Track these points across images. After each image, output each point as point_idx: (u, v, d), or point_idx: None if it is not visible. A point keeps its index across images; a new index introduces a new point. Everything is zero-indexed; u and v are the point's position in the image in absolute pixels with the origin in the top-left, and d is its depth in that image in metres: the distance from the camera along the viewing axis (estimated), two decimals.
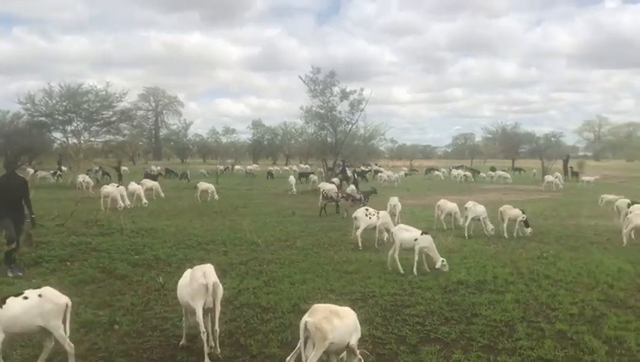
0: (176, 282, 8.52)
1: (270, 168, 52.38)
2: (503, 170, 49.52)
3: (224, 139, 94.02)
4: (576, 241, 13.59)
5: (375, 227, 13.00)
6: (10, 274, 9.22)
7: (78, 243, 11.94)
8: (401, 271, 9.81)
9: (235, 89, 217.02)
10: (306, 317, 4.85)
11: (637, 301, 8.14)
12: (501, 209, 15.04)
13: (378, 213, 13.34)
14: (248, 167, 54.09)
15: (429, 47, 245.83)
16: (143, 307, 7.69)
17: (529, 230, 14.51)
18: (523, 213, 14.75)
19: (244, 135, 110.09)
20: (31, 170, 38.16)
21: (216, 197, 24.06)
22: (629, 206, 15.90)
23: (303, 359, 4.77)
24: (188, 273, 6.24)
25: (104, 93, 37.23)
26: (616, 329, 6.82)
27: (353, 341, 4.97)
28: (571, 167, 46.31)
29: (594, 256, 11.63)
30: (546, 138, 70.70)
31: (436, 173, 49.91)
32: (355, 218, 13.24)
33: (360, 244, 12.53)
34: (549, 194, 31.12)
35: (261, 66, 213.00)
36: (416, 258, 9.99)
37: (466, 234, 14.32)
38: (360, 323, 6.80)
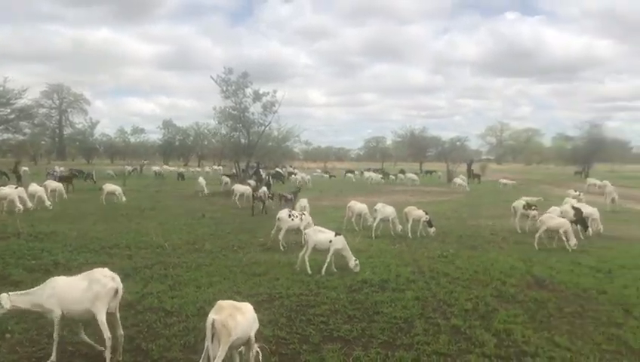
0: None
1: (181, 169, 51.24)
2: (416, 173, 51.29)
3: (133, 139, 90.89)
4: (475, 241, 14.35)
5: (298, 229, 13.01)
6: None
7: None
8: (309, 272, 9.96)
9: (145, 88, 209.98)
10: (212, 315, 4.98)
11: (525, 296, 8.71)
12: (406, 210, 15.60)
13: (303, 214, 13.50)
14: (155, 168, 52.45)
15: (342, 51, 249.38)
16: (41, 316, 7.32)
17: (432, 230, 15.15)
18: (426, 213, 15.37)
19: (155, 135, 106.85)
20: None
21: (124, 199, 23.22)
22: (524, 207, 16.99)
23: (211, 354, 4.86)
24: (80, 278, 5.97)
25: (1, 88, 34.94)
26: (505, 322, 7.29)
27: (253, 334, 5.22)
28: (472, 170, 48.70)
29: (490, 254, 12.34)
30: (452, 142, 74.04)
31: (349, 175, 50.94)
32: (279, 219, 13.33)
33: (282, 246, 12.64)
34: (453, 195, 32.56)
35: (173, 65, 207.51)
36: (329, 259, 10.18)
37: (374, 235, 14.73)
38: (265, 324, 6.95)
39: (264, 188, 22.89)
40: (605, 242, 14.48)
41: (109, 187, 24.00)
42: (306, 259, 10.27)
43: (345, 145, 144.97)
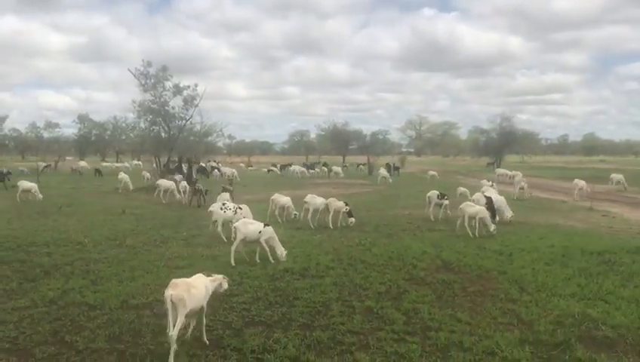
0: None
1: (103, 164, 49.75)
2: (344, 166, 52.46)
3: (46, 134, 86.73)
4: (391, 229, 15.11)
5: (231, 221, 13.19)
6: None
7: None
8: (233, 264, 10.24)
9: (58, 80, 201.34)
10: (168, 291, 5.76)
11: (434, 278, 9.41)
12: (327, 201, 16.15)
13: (238, 207, 13.77)
14: (81, 164, 50.63)
15: (264, 45, 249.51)
16: None
17: (352, 220, 15.78)
18: (346, 204, 15.99)
19: (70, 129, 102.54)
20: None
21: (40, 196, 22.40)
22: (438, 197, 18.02)
23: (170, 325, 5.61)
24: None
25: None
26: (414, 302, 7.92)
27: (205, 303, 6.25)
28: (393, 163, 50.33)
29: (404, 241, 13.08)
30: (373, 135, 76.11)
31: (272, 168, 51.44)
32: (211, 212, 13.57)
33: (224, 238, 12.86)
34: (374, 187, 33.63)
35: (87, 57, 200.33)
36: (265, 247, 10.55)
37: (312, 225, 15.40)
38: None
39: (183, 183, 23.00)
40: (509, 227, 15.63)
41: (25, 184, 23.06)
42: (233, 249, 10.57)
43: (269, 139, 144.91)
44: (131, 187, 28.11)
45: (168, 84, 31.03)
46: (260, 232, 10.71)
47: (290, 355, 5.88)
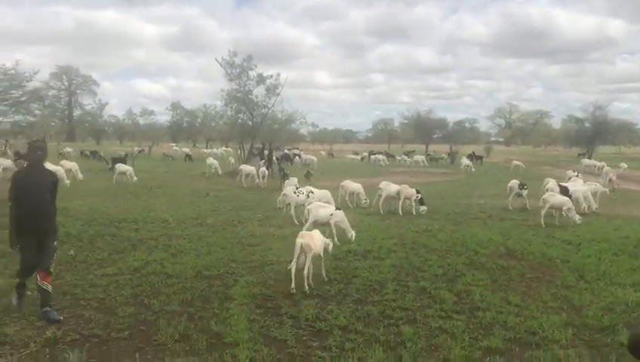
0: (87, 255, 9.33)
1: (188, 150, 52.36)
2: (428, 155, 52.38)
3: (142, 121, 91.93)
4: (461, 217, 15.21)
5: (304, 205, 13.82)
6: (14, 302, 6.71)
7: None
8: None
9: (152, 69, 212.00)
10: (299, 240, 7.87)
11: (494, 264, 9.57)
12: (399, 188, 16.44)
13: (310, 191, 14.49)
14: (185, 149, 53.82)
15: (349, 32, 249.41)
16: (55, 276, 8.24)
17: (424, 208, 15.97)
18: (418, 192, 16.18)
19: (163, 117, 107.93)
20: None
21: (134, 179, 24.20)
22: (519, 187, 17.85)
23: (298, 265, 7.77)
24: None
25: (13, 72, 35.96)
26: (468, 285, 8.17)
27: (322, 251, 8.24)
28: (474, 152, 49.50)
29: (472, 229, 13.20)
30: (458, 124, 74.57)
31: (351, 156, 52.12)
32: (285, 195, 14.48)
33: (295, 220, 13.60)
34: (454, 176, 33.37)
35: (179, 46, 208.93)
36: (333, 230, 11.12)
37: (382, 211, 15.78)
38: (255, 284, 7.96)
39: (263, 168, 24.00)
40: (586, 218, 15.25)
41: (121, 167, 25.02)
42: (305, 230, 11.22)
43: (353, 128, 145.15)
44: (220, 172, 29.57)
45: (252, 74, 32.30)
46: (331, 215, 11.29)
47: (340, 324, 6.36)
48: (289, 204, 14.33)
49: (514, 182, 18.26)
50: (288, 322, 6.46)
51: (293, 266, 7.80)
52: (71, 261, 9.20)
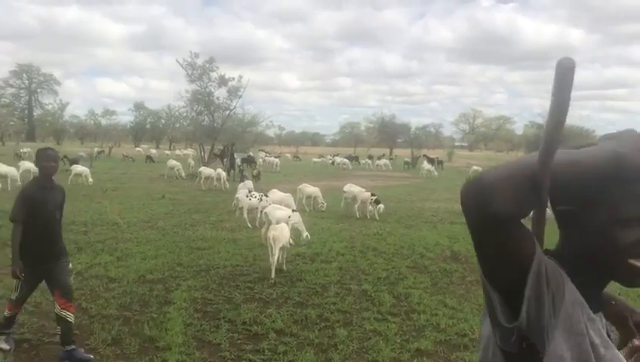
0: None
1: (152, 151, 51.76)
2: (390, 158, 52.87)
3: (104, 121, 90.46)
4: (413, 221, 15.46)
5: (257, 208, 14.04)
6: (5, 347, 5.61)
7: None
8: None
9: (116, 68, 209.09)
10: (270, 233, 8.99)
11: (437, 267, 9.77)
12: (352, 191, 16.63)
13: (263, 195, 14.54)
14: (152, 151, 53.21)
15: (317, 35, 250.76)
16: None
17: (380, 206, 15.98)
18: (372, 195, 16.30)
19: (126, 117, 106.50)
20: None
21: (90, 180, 23.82)
22: None
23: (272, 257, 8.69)
24: None
25: None
26: (408, 288, 8.33)
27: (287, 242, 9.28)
28: (437, 157, 50.33)
29: (421, 232, 13.43)
30: (420, 129, 75.68)
31: (315, 159, 52.33)
32: (237, 199, 14.54)
33: (249, 223, 13.69)
34: (414, 180, 33.82)
35: (145, 46, 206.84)
36: (288, 236, 11.17)
37: (358, 214, 15.99)
38: (197, 288, 7.95)
39: (220, 170, 23.97)
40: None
41: (78, 168, 24.60)
42: (263, 233, 11.26)
43: (320, 131, 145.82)
44: (184, 174, 29.31)
45: (214, 75, 32.18)
46: (289, 217, 11.38)
47: (277, 327, 6.42)
48: (242, 207, 14.35)
49: None
50: (225, 326, 6.48)
51: (273, 258, 8.71)
52: (9, 264, 9.00)
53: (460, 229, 14.19)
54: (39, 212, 5.26)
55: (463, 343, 6.09)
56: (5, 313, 5.57)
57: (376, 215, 15.72)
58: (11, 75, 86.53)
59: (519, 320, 1.02)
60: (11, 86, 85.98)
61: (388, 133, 79.69)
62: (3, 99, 44.62)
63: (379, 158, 52.44)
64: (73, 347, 5.41)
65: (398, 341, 6.11)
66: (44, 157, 5.33)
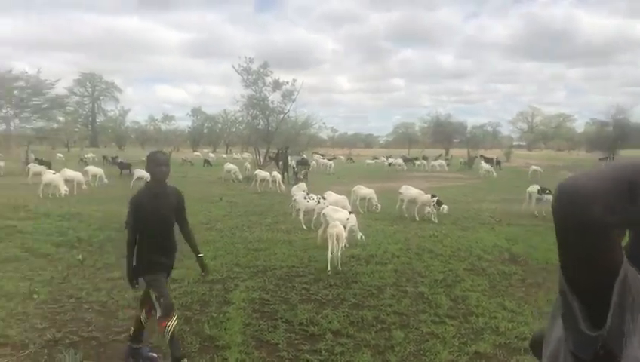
0: (96, 259, 9.55)
1: (210, 156, 52.94)
2: (446, 159, 52.07)
3: (163, 127, 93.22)
4: (470, 222, 15.19)
5: (314, 210, 14.21)
6: None
7: (3, 226, 12.52)
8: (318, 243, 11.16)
9: (174, 75, 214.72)
10: (332, 230, 9.57)
11: (495, 269, 9.59)
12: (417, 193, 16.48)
13: (320, 197, 14.65)
14: (210, 155, 54.60)
15: (369, 37, 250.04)
16: (62, 280, 8.54)
17: (444, 207, 15.77)
18: (433, 196, 16.07)
19: (184, 122, 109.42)
20: None
21: None
22: (538, 192, 17.67)
23: (329, 251, 9.36)
24: None
25: (35, 79, 36.86)
26: (466, 290, 8.22)
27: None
28: (496, 157, 49.22)
29: (478, 234, 13.19)
30: (476, 128, 74.20)
31: (368, 161, 52.20)
32: (295, 201, 14.69)
33: (304, 225, 13.85)
34: (470, 181, 33.21)
35: (201, 52, 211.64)
36: (346, 234, 11.26)
37: (407, 215, 15.95)
38: (253, 289, 8.09)
39: (274, 173, 24.24)
40: None
41: (139, 173, 25.48)
42: (320, 234, 11.39)
43: (373, 132, 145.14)
44: (240, 177, 29.88)
45: (268, 80, 32.63)
46: (347, 219, 11.46)
47: (333, 328, 6.48)
48: (299, 209, 14.51)
49: (533, 188, 18.09)
50: (282, 326, 6.58)
51: (333, 252, 9.35)
52: (79, 265, 9.45)
53: (518, 231, 13.90)
54: (150, 218, 5.00)
55: (523, 346, 5.95)
56: (165, 334, 5.13)
57: (434, 218, 15.46)
58: (75, 83, 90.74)
59: (604, 327, 1.01)
60: (75, 94, 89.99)
61: (443, 133, 78.48)
62: (68, 107, 46.66)
63: (435, 159, 51.80)
64: (140, 346, 5.51)
65: (456, 344, 6.04)
66: (154, 162, 5.05)
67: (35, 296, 7.62)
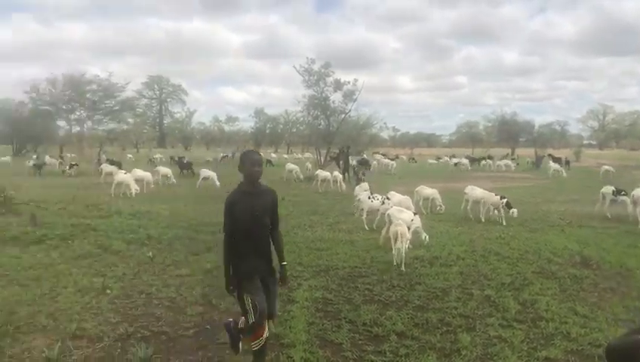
0: (165, 257, 9.85)
1: (272, 156, 53.66)
2: (512, 158, 50.68)
3: (227, 127, 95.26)
4: (538, 224, 14.71)
5: (378, 210, 14.10)
6: None
7: (78, 224, 13.12)
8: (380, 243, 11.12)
9: (237, 77, 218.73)
10: (397, 228, 9.82)
11: (566, 273, 9.24)
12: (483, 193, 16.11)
13: (385, 197, 14.51)
14: (272, 155, 55.67)
15: (431, 35, 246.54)
16: (133, 276, 8.87)
17: (513, 211, 15.18)
18: (502, 198, 15.59)
19: (247, 123, 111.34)
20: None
21: (217, 184, 25.22)
22: (613, 193, 16.92)
23: (400, 249, 9.65)
24: None
25: (107, 82, 38.48)
26: (535, 294, 7.96)
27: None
28: (565, 157, 47.48)
29: (547, 236, 12.75)
30: (543, 127, 71.70)
31: (430, 161, 51.41)
32: (359, 201, 14.68)
33: (366, 226, 13.81)
34: (537, 181, 32.17)
35: (262, 54, 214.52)
36: (410, 235, 11.18)
37: (472, 217, 15.70)
38: (318, 288, 8.13)
39: (335, 173, 24.28)
40: None
41: (205, 173, 26.21)
42: (383, 234, 11.35)
43: (436, 131, 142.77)
44: (302, 176, 30.17)
45: (330, 80, 32.75)
46: (412, 220, 11.37)
47: (397, 330, 6.42)
48: (362, 209, 14.45)
49: (608, 189, 17.32)
50: (346, 326, 6.59)
51: (398, 250, 9.63)
52: (149, 262, 9.78)
53: (590, 233, 13.35)
54: (245, 219, 4.76)
55: (597, 354, 5.72)
56: (252, 346, 4.95)
57: (502, 220, 15.01)
58: (144, 86, 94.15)
59: None
60: (144, 97, 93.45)
61: (508, 132, 76.26)
62: (137, 109, 48.63)
63: (501, 159, 50.47)
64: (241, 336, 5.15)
65: (525, 349, 5.87)
66: (249, 161, 4.82)
67: (108, 291, 7.94)
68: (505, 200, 15.28)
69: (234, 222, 4.79)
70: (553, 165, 38.92)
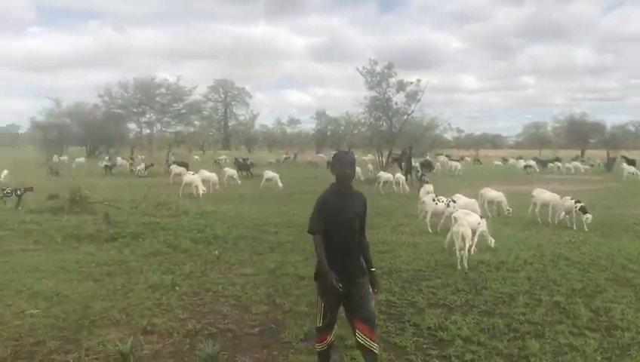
0: (230, 256, 10.08)
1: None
2: (582, 160, 48.77)
3: (289, 130, 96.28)
4: (611, 229, 14.10)
5: (443, 213, 13.89)
6: None
7: (148, 223, 13.63)
8: (445, 247, 10.96)
9: (299, 79, 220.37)
10: (460, 228, 9.82)
11: None
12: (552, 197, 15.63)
13: (450, 200, 14.20)
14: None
15: (496, 33, 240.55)
16: (200, 274, 9.12)
17: (587, 216, 14.43)
18: (577, 202, 14.95)
19: (309, 125, 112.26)
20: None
21: (280, 185, 25.60)
22: None
23: (458, 248, 9.78)
24: None
25: (175, 86, 39.74)
26: (608, 302, 7.64)
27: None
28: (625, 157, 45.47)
29: (621, 242, 12.21)
30: (620, 128, 68.44)
31: (496, 163, 50.06)
32: (423, 203, 14.55)
33: (429, 228, 13.68)
34: (607, 184, 30.85)
35: (325, 56, 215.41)
36: (476, 239, 10.99)
37: (540, 220, 15.32)
38: (381, 291, 8.07)
39: (397, 175, 24.07)
40: None
41: (268, 174, 26.68)
42: (449, 237, 11.19)
43: (502, 132, 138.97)
44: (362, 178, 30.14)
45: (392, 81, 32.57)
46: (479, 223, 11.17)
47: (463, 335, 6.31)
48: (426, 211, 14.24)
49: None
50: (410, 329, 6.54)
51: (461, 250, 9.70)
52: (215, 261, 10.03)
53: None
54: (336, 221, 4.65)
55: None
56: (317, 347, 5.01)
57: (574, 225, 14.48)
58: (209, 90, 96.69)
59: None
60: (210, 100, 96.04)
61: (578, 133, 73.24)
62: (204, 112, 50.13)
63: (571, 161, 48.62)
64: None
65: (599, 358, 5.65)
66: (341, 162, 4.74)
67: (177, 288, 8.21)
68: (580, 205, 14.67)
69: (325, 220, 4.66)
70: (627, 167, 37.22)
